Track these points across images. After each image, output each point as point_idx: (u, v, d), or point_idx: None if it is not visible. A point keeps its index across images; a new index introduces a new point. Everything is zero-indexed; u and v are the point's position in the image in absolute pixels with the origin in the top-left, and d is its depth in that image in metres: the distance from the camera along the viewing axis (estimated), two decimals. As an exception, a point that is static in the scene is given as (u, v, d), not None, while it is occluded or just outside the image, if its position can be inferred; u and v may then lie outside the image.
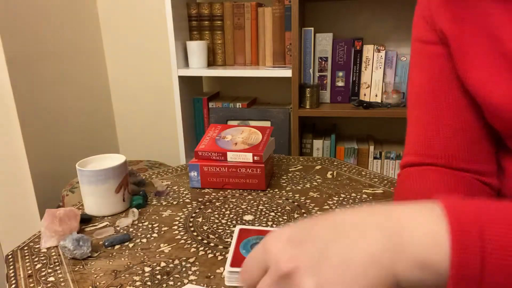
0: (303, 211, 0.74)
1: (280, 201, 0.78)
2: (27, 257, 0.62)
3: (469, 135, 0.51)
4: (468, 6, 0.47)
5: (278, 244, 0.30)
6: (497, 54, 0.45)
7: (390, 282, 0.27)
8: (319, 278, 0.28)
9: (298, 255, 0.29)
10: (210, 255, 0.61)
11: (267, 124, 1.50)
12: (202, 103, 1.64)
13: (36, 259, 0.62)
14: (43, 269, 0.59)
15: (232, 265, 0.53)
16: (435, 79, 0.52)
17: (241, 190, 0.84)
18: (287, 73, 1.42)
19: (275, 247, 0.30)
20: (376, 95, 1.49)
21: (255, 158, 0.82)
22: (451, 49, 0.49)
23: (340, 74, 1.51)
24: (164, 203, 0.79)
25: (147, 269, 0.58)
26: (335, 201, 0.77)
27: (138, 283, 0.55)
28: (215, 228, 0.69)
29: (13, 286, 0.55)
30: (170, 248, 0.63)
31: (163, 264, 0.59)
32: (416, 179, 0.52)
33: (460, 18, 0.48)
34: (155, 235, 0.67)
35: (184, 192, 0.84)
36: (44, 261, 0.61)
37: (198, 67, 1.54)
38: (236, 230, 0.62)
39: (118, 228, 0.70)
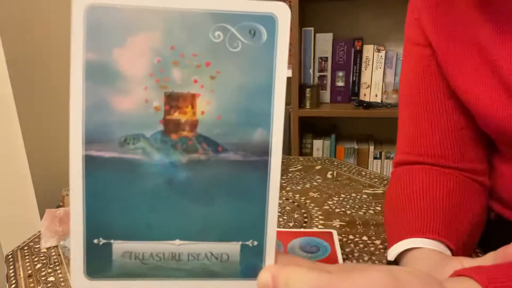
0: (303, 211, 0.74)
1: (280, 201, 0.78)
2: (27, 257, 0.62)
3: (459, 134, 0.52)
4: (453, 19, 0.47)
5: None
6: (482, 62, 0.45)
7: None
8: None
9: None
10: (210, 255, 0.61)
11: (267, 124, 1.50)
12: (202, 103, 1.64)
13: (36, 259, 0.62)
14: (43, 269, 0.59)
15: None
16: (425, 80, 0.52)
17: (241, 190, 0.84)
18: (287, 73, 1.42)
19: None
20: (376, 95, 1.49)
21: (255, 158, 0.82)
22: (437, 54, 0.50)
23: (340, 74, 1.51)
24: (164, 203, 0.79)
25: (147, 269, 0.58)
26: (335, 201, 0.77)
27: (138, 283, 0.55)
28: (215, 228, 0.69)
29: (13, 286, 0.55)
30: (170, 248, 0.63)
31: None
32: (408, 179, 0.52)
33: (443, 25, 0.48)
34: (155, 235, 0.67)
35: (184, 192, 0.84)
36: (44, 261, 0.61)
37: (198, 67, 1.54)
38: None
39: (118, 228, 0.70)
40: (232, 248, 0.25)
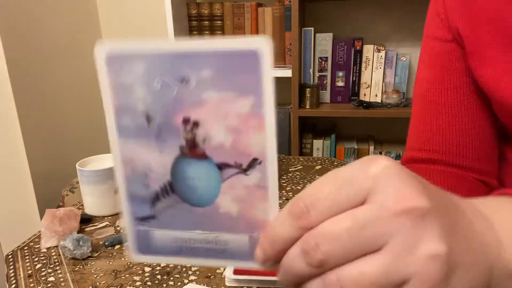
0: (303, 211, 0.74)
1: (280, 201, 0.78)
2: (27, 257, 0.62)
3: (473, 133, 0.51)
4: (484, 5, 0.47)
5: (398, 178, 0.21)
6: None
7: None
8: (452, 242, 0.22)
9: (430, 198, 0.21)
10: (210, 255, 0.61)
11: (267, 124, 1.50)
12: (202, 103, 1.64)
13: (36, 259, 0.62)
14: (43, 269, 0.59)
15: (234, 273, 0.53)
16: (443, 76, 0.52)
17: (241, 190, 0.84)
18: (287, 73, 1.42)
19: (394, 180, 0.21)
20: (376, 95, 1.48)
21: (255, 158, 0.82)
22: (465, 45, 0.49)
23: (340, 74, 1.51)
24: (164, 203, 0.79)
25: (147, 269, 0.58)
26: (335, 201, 0.77)
27: (138, 283, 0.55)
28: (215, 228, 0.69)
29: (13, 286, 0.55)
30: (170, 248, 0.63)
31: (163, 264, 0.59)
32: None
33: (475, 16, 0.47)
34: (155, 235, 0.67)
35: (184, 192, 0.84)
36: (44, 261, 0.61)
37: (198, 67, 1.54)
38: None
39: (118, 228, 0.70)
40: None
